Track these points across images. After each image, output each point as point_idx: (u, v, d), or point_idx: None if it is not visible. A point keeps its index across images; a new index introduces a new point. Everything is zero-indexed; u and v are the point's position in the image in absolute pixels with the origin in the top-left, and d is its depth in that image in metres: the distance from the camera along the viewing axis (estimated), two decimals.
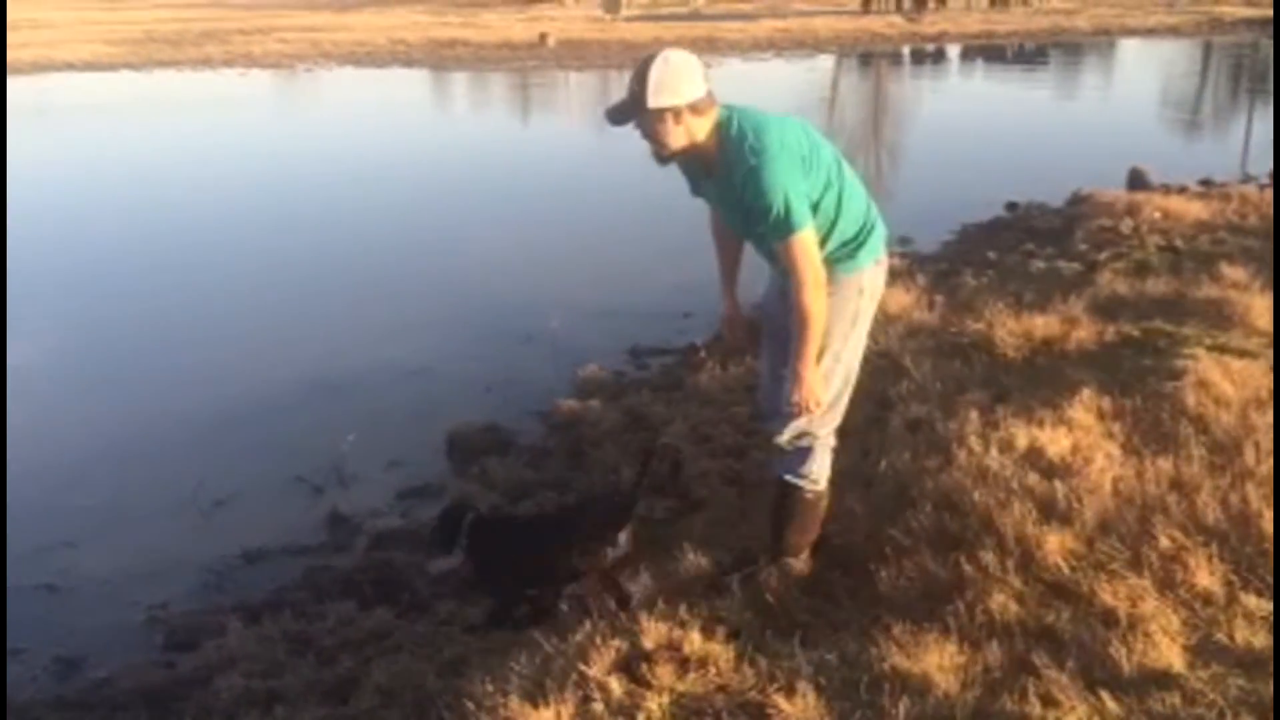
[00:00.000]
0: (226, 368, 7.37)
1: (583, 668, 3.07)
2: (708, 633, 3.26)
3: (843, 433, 3.75)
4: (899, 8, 36.71)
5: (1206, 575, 3.26)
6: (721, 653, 3.14)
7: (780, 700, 2.87)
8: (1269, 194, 9.66)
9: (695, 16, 37.89)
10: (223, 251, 10.66)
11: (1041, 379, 5.06)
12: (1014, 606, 3.22)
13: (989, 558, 3.39)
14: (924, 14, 34.97)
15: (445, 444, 6.05)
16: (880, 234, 3.57)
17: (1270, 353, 5.08)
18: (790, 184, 3.19)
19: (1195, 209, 9.21)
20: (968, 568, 3.37)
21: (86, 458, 6.07)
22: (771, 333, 3.67)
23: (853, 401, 3.65)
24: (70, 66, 28.16)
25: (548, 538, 3.87)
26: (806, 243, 3.25)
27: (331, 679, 3.72)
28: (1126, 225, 8.80)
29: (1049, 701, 2.79)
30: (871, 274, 3.55)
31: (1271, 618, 3.09)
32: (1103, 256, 7.85)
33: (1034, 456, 4.03)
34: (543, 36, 32.56)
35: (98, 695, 3.90)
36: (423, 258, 10.37)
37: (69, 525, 5.28)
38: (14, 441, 5.70)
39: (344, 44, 32.21)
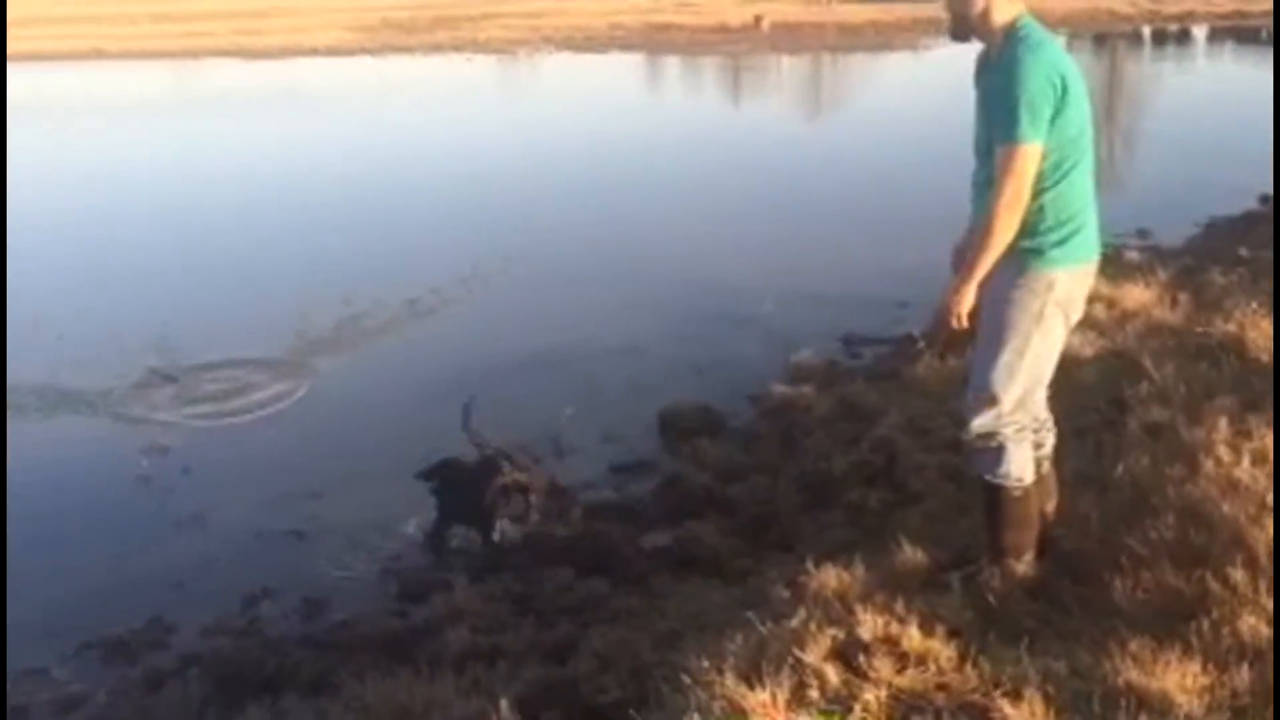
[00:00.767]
0: (456, 339, 7.74)
1: (798, 653, 3.07)
2: (927, 629, 3.19)
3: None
4: None
5: None
6: (942, 651, 3.07)
7: (1005, 705, 2.78)
8: None
9: None
10: (452, 230, 11.21)
11: None
12: (1265, 630, 3.00)
13: (1238, 576, 3.17)
14: None
15: (658, 422, 6.18)
16: (1088, 240, 3.35)
17: None
18: (1039, 96, 3.09)
19: None
20: (1214, 585, 3.16)
21: (332, 415, 6.54)
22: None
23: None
24: (315, 52, 30.10)
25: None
26: (1025, 158, 3.13)
27: (550, 641, 3.87)
28: None
29: None
30: (1067, 278, 3.33)
31: None
32: None
33: None
34: (757, 19, 32.40)
35: (339, 637, 4.21)
36: (637, 239, 10.57)
37: (316, 477, 5.71)
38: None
39: (563, 29, 33.07)
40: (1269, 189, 10.12)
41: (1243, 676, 2.84)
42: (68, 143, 18.24)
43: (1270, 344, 5.22)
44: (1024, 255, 3.26)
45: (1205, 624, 3.03)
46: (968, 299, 3.28)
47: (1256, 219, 9.44)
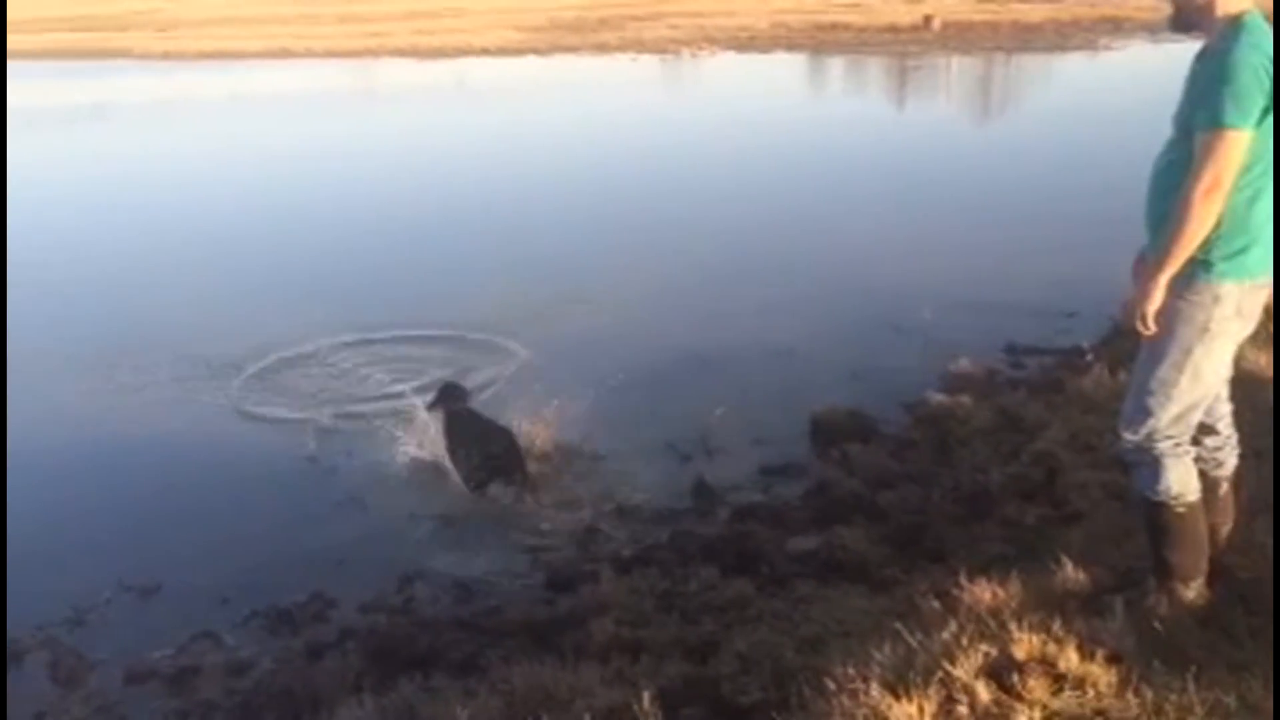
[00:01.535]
0: (610, 333, 7.84)
1: (948, 667, 3.00)
2: (1085, 652, 3.06)
3: (1254, 454, 3.38)
4: None
5: None
6: (1101, 675, 2.94)
7: None
8: None
9: None
10: (613, 224, 11.38)
11: None
12: None
13: None
14: None
15: (809, 425, 6.11)
16: (1263, 256, 3.13)
17: None
18: (1250, 84, 2.92)
19: None
20: None
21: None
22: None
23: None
24: (485, 52, 31.01)
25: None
26: (1230, 145, 2.95)
27: (694, 638, 3.89)
28: None
29: None
30: (1237, 292, 3.12)
31: None
32: None
33: None
34: (927, 19, 31.67)
35: (488, 621, 4.34)
36: (797, 240, 10.50)
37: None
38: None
39: (728, 29, 33.08)
40: None
41: None
42: (272, 136, 19.36)
43: None
44: (1191, 266, 3.08)
45: None
46: (1156, 299, 3.10)
47: None
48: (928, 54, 27.44)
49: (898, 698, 2.89)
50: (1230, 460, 3.42)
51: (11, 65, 32.21)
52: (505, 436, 5.74)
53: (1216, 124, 2.96)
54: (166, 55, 34.86)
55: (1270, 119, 2.99)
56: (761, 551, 4.70)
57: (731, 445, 5.98)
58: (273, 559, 5.05)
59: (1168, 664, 3.05)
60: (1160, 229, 3.09)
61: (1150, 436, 3.25)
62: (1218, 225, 3.06)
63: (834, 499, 5.16)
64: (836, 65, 27.18)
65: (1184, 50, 3.28)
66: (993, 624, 3.30)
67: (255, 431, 6.44)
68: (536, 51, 30.84)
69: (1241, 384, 3.32)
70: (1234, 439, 3.41)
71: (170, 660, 4.29)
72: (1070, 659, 3.01)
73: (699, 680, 3.53)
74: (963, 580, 3.60)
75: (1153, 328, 3.13)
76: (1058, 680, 2.94)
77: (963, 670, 2.98)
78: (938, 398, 6.24)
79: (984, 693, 2.90)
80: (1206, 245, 3.08)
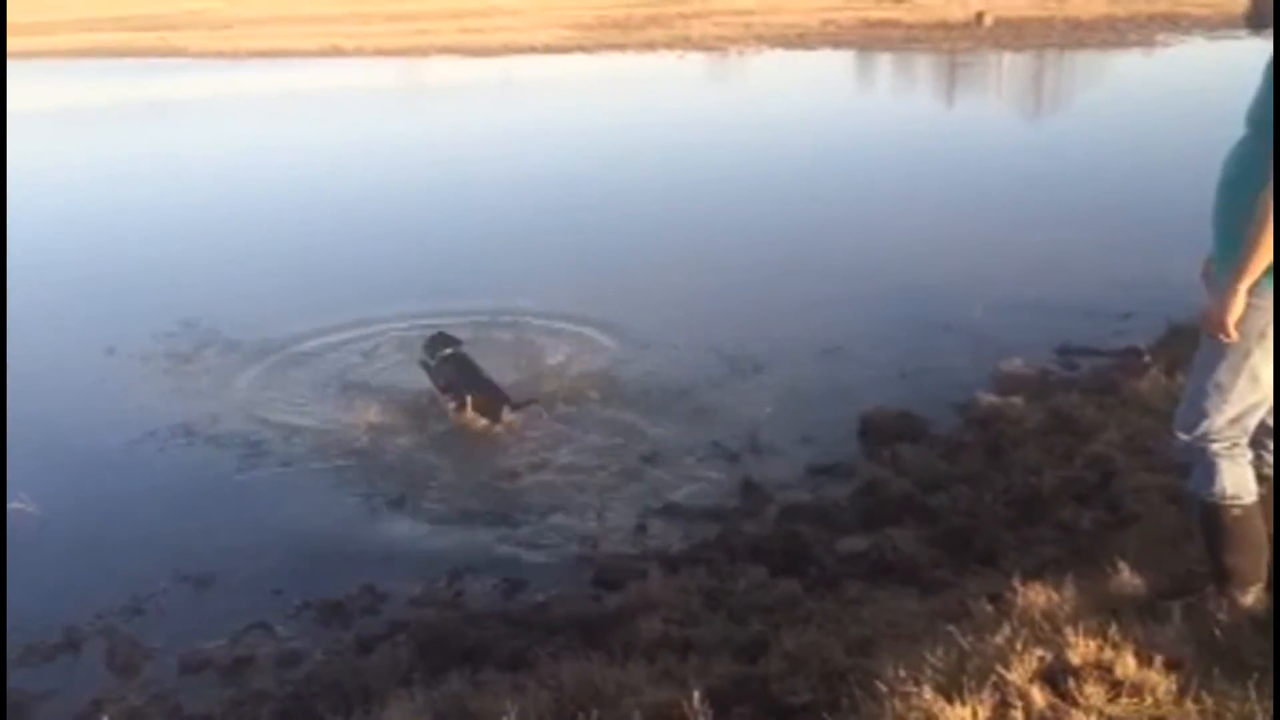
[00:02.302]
0: (661, 327, 7.83)
1: (1002, 671, 2.96)
2: (1143, 658, 3.01)
3: None
4: None
5: None
6: (1159, 682, 2.89)
7: None
8: None
9: None
10: (657, 221, 11.38)
11: None
12: None
13: None
14: None
15: (858, 425, 6.07)
16: None
17: None
18: None
19: None
20: None
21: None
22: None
23: None
24: (533, 49, 31.13)
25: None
26: None
27: (742, 638, 3.87)
28: None
29: None
30: None
31: None
32: None
33: None
34: (979, 16, 31.31)
35: (537, 617, 4.35)
36: (847, 238, 10.43)
37: (517, 461, 5.91)
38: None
39: (775, 26, 32.93)
40: None
41: None
42: (329, 131, 19.61)
43: None
44: None
45: None
46: (1237, 306, 3.01)
47: None
48: (977, 50, 27.11)
49: (950, 701, 2.86)
50: None
51: (67, 63, 32.92)
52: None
53: None
54: (221, 54, 35.44)
55: None
56: (810, 552, 4.67)
57: (780, 444, 5.95)
58: (324, 551, 5.10)
59: (1227, 672, 2.99)
60: (1236, 232, 3.02)
61: (1204, 437, 3.19)
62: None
63: (883, 500, 5.12)
64: (885, 62, 26.94)
65: (1244, 49, 3.21)
66: (1047, 628, 3.26)
67: (308, 424, 6.52)
68: (584, 49, 30.90)
69: None
70: None
71: (224, 650, 4.35)
72: (1127, 665, 2.96)
73: (748, 680, 3.52)
74: (1016, 584, 3.55)
75: (1234, 336, 3.04)
76: (1114, 686, 2.89)
77: (1017, 674, 2.94)
78: (989, 398, 6.16)
79: (1039, 698, 2.86)
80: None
